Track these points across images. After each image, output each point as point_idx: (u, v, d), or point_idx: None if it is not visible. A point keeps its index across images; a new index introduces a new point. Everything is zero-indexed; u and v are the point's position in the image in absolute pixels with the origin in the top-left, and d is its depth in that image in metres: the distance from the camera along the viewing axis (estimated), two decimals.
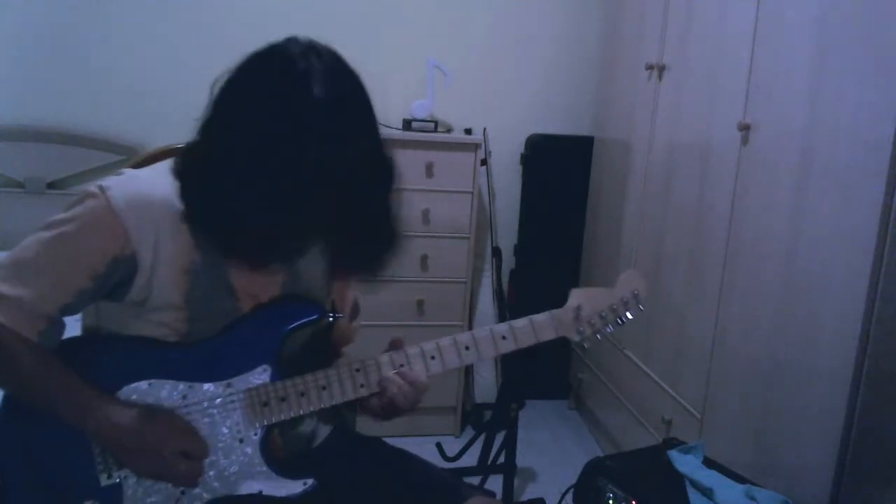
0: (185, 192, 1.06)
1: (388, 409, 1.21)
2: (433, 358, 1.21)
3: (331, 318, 1.24)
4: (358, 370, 1.19)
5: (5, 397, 1.13)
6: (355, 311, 1.42)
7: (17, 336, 1.05)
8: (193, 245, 1.10)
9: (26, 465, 1.11)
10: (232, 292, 1.16)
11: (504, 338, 1.24)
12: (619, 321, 1.29)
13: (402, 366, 1.20)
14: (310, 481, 1.18)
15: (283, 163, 0.97)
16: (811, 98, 1.61)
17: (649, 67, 2.46)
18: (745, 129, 1.85)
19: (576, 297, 1.28)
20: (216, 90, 1.05)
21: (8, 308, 1.05)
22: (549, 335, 1.25)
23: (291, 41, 1.04)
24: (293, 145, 0.97)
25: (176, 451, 1.08)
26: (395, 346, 1.23)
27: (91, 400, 1.07)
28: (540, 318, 1.25)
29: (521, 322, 1.24)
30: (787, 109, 1.70)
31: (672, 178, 2.31)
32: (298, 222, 1.04)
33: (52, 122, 2.80)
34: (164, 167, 1.13)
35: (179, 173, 1.08)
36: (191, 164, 1.07)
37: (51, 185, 2.79)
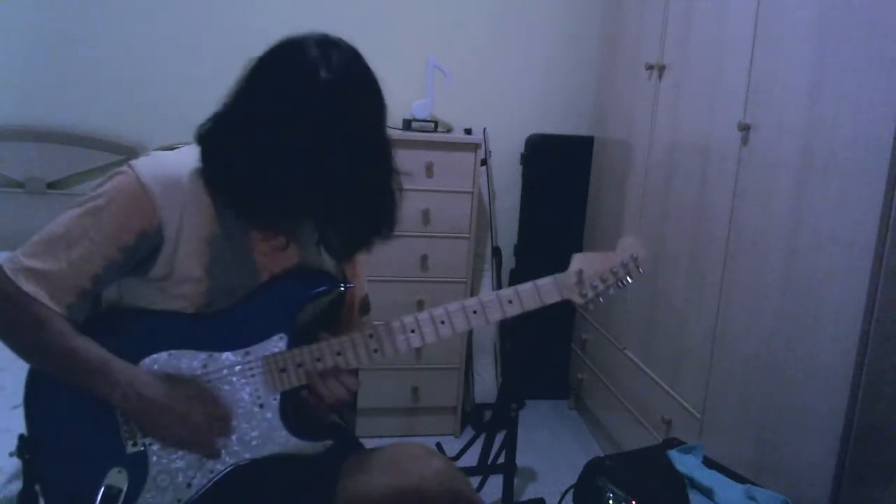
0: (206, 155, 1.13)
1: (316, 402, 1.23)
2: (443, 323, 1.25)
3: (342, 289, 1.29)
4: (371, 336, 1.23)
5: (32, 371, 1.17)
6: (365, 308, 1.44)
7: (46, 308, 1.09)
8: (216, 219, 1.15)
9: (54, 435, 1.15)
10: (253, 267, 1.20)
11: (510, 301, 1.26)
12: (620, 284, 1.32)
13: (412, 331, 1.23)
14: (329, 443, 1.23)
15: (290, 135, 1.04)
16: (811, 98, 1.62)
17: (649, 67, 2.46)
18: (745, 129, 1.85)
19: (577, 261, 1.31)
20: (244, 70, 1.13)
21: (38, 281, 1.08)
22: (553, 298, 1.28)
23: (310, 34, 1.13)
24: (301, 119, 1.04)
25: (201, 420, 1.12)
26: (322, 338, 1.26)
27: (118, 372, 1.11)
28: (544, 281, 1.28)
29: (525, 286, 1.27)
30: (787, 109, 1.70)
31: (672, 178, 2.31)
32: (301, 189, 1.08)
33: (52, 122, 2.80)
34: (189, 149, 1.18)
35: (202, 137, 1.14)
36: (214, 129, 1.14)
37: (51, 185, 2.79)
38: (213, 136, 1.13)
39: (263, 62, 1.11)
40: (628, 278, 1.32)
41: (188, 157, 1.16)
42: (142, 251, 1.12)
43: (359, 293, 1.43)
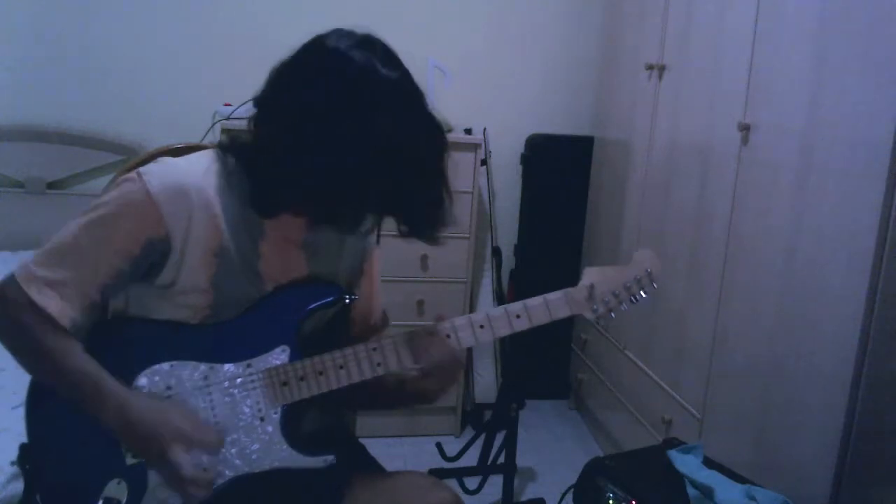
0: (268, 176, 1.11)
1: (421, 376, 1.23)
2: (449, 336, 1.22)
3: (347, 300, 1.26)
4: (375, 349, 1.21)
5: (33, 380, 1.16)
6: (384, 322, 1.43)
7: (51, 323, 1.08)
8: (224, 230, 1.14)
9: (55, 445, 1.15)
10: (260, 279, 1.19)
11: (518, 316, 1.24)
12: (633, 299, 1.28)
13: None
14: (330, 458, 1.21)
15: (354, 134, 1.05)
16: (811, 98, 1.62)
17: (649, 67, 2.46)
18: (745, 129, 1.85)
19: (589, 275, 1.27)
20: (277, 77, 1.11)
21: (49, 291, 1.07)
22: (563, 313, 1.25)
23: (330, 34, 1.13)
24: (363, 117, 1.05)
25: (183, 453, 1.07)
26: (438, 320, 1.25)
27: (110, 395, 1.09)
28: (554, 296, 1.25)
29: (535, 300, 1.24)
30: (787, 109, 1.70)
31: (672, 178, 2.31)
32: (373, 187, 1.10)
33: (52, 122, 2.80)
34: (199, 157, 1.18)
35: (252, 164, 1.13)
36: (270, 152, 1.11)
37: (51, 185, 2.79)
38: (273, 160, 1.10)
39: (310, 76, 1.09)
40: (642, 293, 1.28)
41: (198, 165, 1.15)
42: (149, 259, 1.12)
43: (377, 309, 1.41)
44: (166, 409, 1.12)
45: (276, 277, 1.20)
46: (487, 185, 3.08)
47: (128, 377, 1.13)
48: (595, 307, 1.26)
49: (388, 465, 1.39)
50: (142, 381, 1.14)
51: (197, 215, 1.11)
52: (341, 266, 1.31)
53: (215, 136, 2.50)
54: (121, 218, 1.09)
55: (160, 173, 1.12)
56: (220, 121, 2.52)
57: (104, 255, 1.09)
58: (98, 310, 1.14)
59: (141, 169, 1.12)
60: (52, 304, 1.07)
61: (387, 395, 1.33)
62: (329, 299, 1.23)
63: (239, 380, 1.17)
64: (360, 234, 1.30)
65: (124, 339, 1.17)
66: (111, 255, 1.09)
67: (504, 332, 1.24)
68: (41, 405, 1.16)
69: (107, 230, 1.09)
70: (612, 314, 1.28)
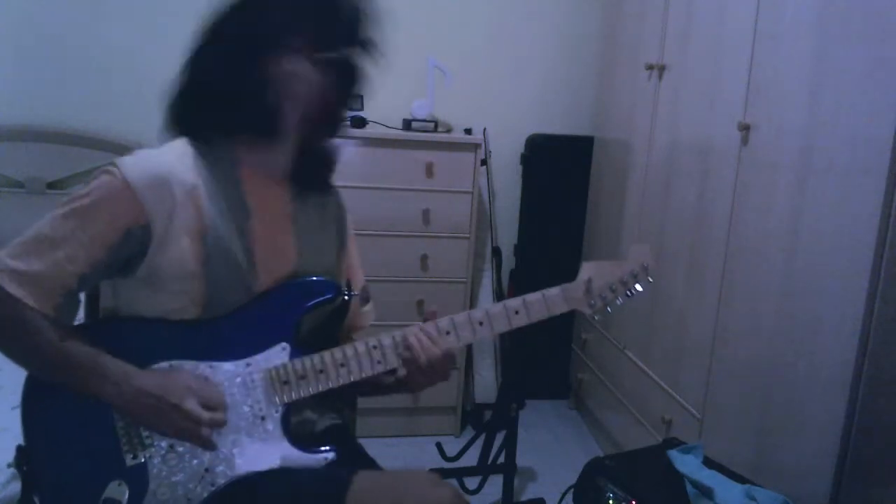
0: (180, 97, 1.26)
1: (413, 373, 1.24)
2: (448, 333, 1.23)
3: (346, 297, 1.27)
4: (375, 347, 1.22)
5: (27, 384, 1.16)
6: (365, 297, 1.43)
7: (33, 311, 1.08)
8: (207, 212, 1.14)
9: (53, 449, 1.14)
10: (250, 259, 1.18)
11: (517, 312, 1.25)
12: (629, 293, 1.30)
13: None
14: (331, 455, 1.21)
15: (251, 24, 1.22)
16: (811, 98, 1.62)
17: (649, 67, 2.46)
18: (745, 129, 1.85)
19: (586, 270, 1.29)
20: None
21: (25, 283, 1.07)
22: (560, 308, 1.26)
23: None
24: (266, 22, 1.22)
25: (195, 402, 1.10)
26: (428, 318, 1.25)
27: (111, 368, 1.10)
28: (552, 291, 1.26)
29: (533, 296, 1.25)
30: (787, 109, 1.70)
31: (672, 178, 2.31)
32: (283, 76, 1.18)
33: (52, 122, 2.80)
34: (175, 144, 1.19)
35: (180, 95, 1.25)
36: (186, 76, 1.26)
37: (51, 185, 2.79)
38: (194, 78, 1.26)
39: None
40: (637, 287, 1.30)
41: (172, 152, 1.17)
42: (129, 248, 1.11)
43: (359, 284, 1.41)
44: (171, 372, 1.14)
45: (266, 257, 1.20)
46: (487, 185, 3.08)
47: None
48: (592, 302, 1.28)
49: (388, 465, 1.39)
50: None
51: (179, 199, 1.12)
52: (326, 237, 1.31)
53: None
54: (99, 208, 1.10)
55: (136, 162, 1.13)
56: None
57: (82, 245, 1.09)
58: (78, 299, 1.13)
59: (117, 160, 1.13)
60: (28, 294, 1.07)
61: (373, 387, 1.33)
62: (328, 296, 1.23)
63: (239, 379, 1.17)
64: (333, 201, 1.34)
65: (122, 339, 1.16)
66: (89, 245, 1.09)
67: (503, 328, 1.25)
68: (37, 407, 1.15)
69: (85, 220, 1.09)
70: (609, 309, 1.30)
